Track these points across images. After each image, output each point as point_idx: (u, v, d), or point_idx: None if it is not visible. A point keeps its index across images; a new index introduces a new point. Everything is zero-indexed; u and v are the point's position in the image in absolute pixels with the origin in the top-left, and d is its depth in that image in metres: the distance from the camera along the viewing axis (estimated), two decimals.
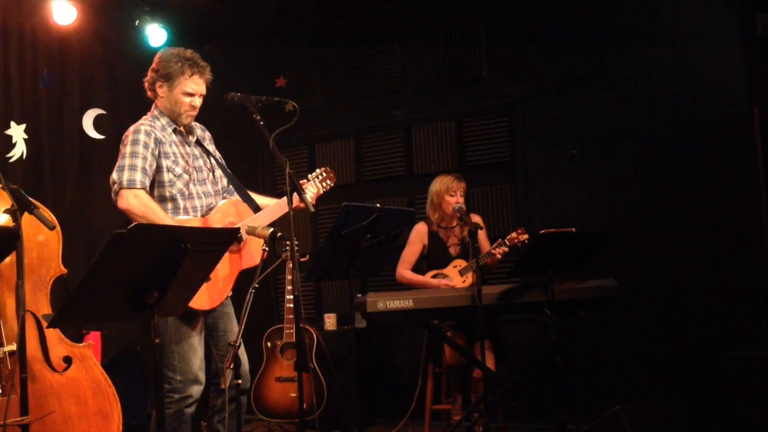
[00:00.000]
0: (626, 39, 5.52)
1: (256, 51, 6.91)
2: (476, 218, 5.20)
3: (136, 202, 3.68)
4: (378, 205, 4.22)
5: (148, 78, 3.94)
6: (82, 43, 6.05)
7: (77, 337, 4.50)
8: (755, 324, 5.01)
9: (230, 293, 3.91)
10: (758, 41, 5.21)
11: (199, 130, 4.06)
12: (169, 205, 3.81)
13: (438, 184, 5.25)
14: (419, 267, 5.29)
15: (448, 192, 5.19)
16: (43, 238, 3.80)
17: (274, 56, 6.93)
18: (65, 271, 3.90)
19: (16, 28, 5.65)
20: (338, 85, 6.81)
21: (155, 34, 6.27)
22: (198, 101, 3.91)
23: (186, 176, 3.86)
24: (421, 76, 6.47)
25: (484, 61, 6.16)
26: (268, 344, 5.81)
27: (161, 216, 3.69)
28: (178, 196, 3.83)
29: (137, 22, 6.28)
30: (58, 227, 3.76)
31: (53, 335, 3.77)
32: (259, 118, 3.65)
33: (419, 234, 5.29)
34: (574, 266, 4.51)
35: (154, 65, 3.91)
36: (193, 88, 3.87)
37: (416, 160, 6.40)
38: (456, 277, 5.13)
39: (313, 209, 3.80)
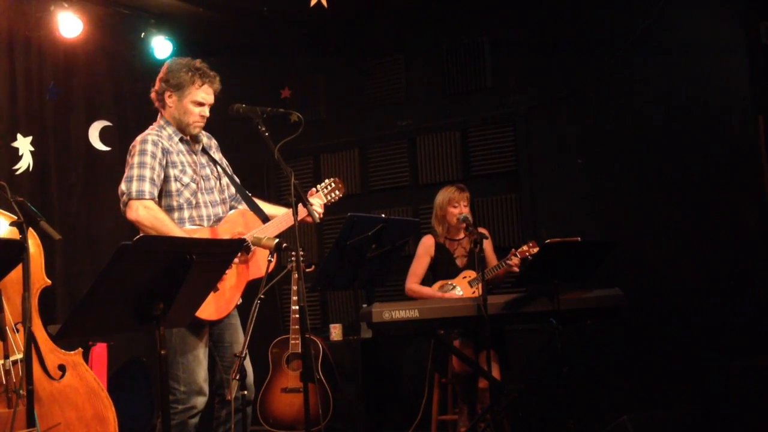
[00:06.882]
0: (631, 49, 5.52)
1: (261, 62, 6.92)
2: (482, 231, 5.22)
3: (146, 213, 3.68)
4: (383, 215, 4.23)
5: (156, 88, 3.94)
6: (88, 55, 6.07)
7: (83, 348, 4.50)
8: (762, 333, 4.99)
9: (239, 302, 3.92)
10: (762, 50, 5.20)
11: (206, 138, 4.07)
12: (176, 215, 3.81)
13: (440, 196, 5.29)
14: (425, 278, 5.30)
15: (451, 203, 5.22)
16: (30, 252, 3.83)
17: (278, 67, 6.95)
18: (49, 282, 3.97)
19: (23, 41, 5.68)
20: (343, 95, 6.82)
21: (161, 46, 6.30)
22: (207, 111, 3.92)
23: (193, 185, 3.87)
24: (426, 86, 6.48)
25: (489, 71, 6.16)
26: (274, 355, 5.81)
27: (171, 227, 3.69)
28: (185, 206, 3.83)
29: (143, 34, 6.31)
30: (39, 241, 3.83)
31: (45, 345, 3.82)
32: (264, 129, 3.66)
33: (426, 247, 5.31)
34: (580, 276, 4.50)
35: (162, 75, 3.91)
36: (202, 98, 3.89)
37: (421, 170, 6.41)
38: (466, 288, 5.13)
39: (318, 220, 3.80)
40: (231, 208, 4.06)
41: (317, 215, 3.82)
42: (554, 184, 5.89)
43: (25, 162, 5.56)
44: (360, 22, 6.44)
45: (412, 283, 5.26)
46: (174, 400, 3.72)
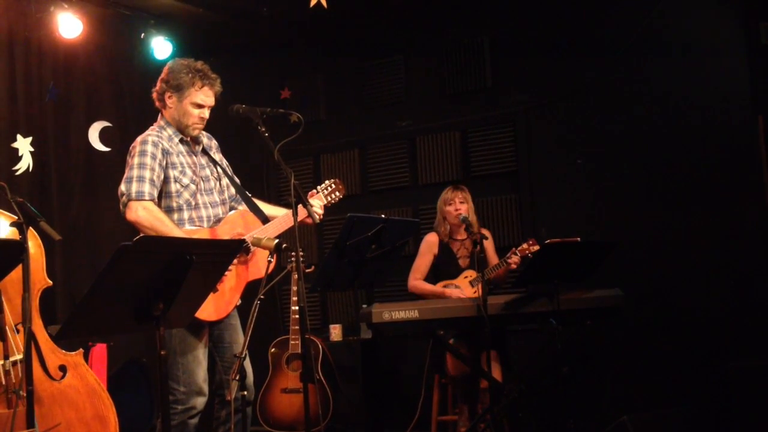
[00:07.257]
0: (631, 49, 5.52)
1: (260, 63, 6.93)
2: (484, 232, 5.24)
3: (145, 214, 3.68)
4: (383, 215, 4.23)
5: (157, 88, 3.94)
6: (88, 56, 6.08)
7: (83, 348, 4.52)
8: (762, 333, 4.98)
9: (239, 302, 3.92)
10: (762, 50, 5.20)
11: (206, 139, 4.07)
12: (176, 216, 3.81)
13: (439, 199, 5.33)
14: (427, 278, 5.30)
15: (447, 203, 5.27)
16: (31, 252, 3.84)
17: (278, 68, 6.95)
18: (50, 283, 3.97)
19: (23, 42, 5.68)
20: (343, 96, 6.82)
21: (160, 47, 6.30)
22: (206, 113, 3.92)
23: (193, 186, 3.87)
24: (426, 86, 6.48)
25: (489, 71, 6.17)
26: (274, 355, 5.81)
27: (170, 227, 3.69)
28: (185, 207, 3.83)
29: (142, 34, 6.31)
30: (40, 241, 3.83)
31: (46, 346, 3.83)
32: (264, 129, 3.65)
33: (429, 244, 5.32)
34: (580, 276, 4.50)
35: (164, 75, 3.91)
36: (202, 99, 3.88)
37: (421, 170, 6.41)
38: (467, 288, 5.13)
39: (318, 221, 3.80)
40: (231, 208, 4.06)
41: (317, 216, 3.83)
42: (554, 184, 5.89)
43: (25, 162, 5.56)
44: (360, 22, 6.44)
45: (416, 280, 5.26)
46: (174, 400, 3.72)
